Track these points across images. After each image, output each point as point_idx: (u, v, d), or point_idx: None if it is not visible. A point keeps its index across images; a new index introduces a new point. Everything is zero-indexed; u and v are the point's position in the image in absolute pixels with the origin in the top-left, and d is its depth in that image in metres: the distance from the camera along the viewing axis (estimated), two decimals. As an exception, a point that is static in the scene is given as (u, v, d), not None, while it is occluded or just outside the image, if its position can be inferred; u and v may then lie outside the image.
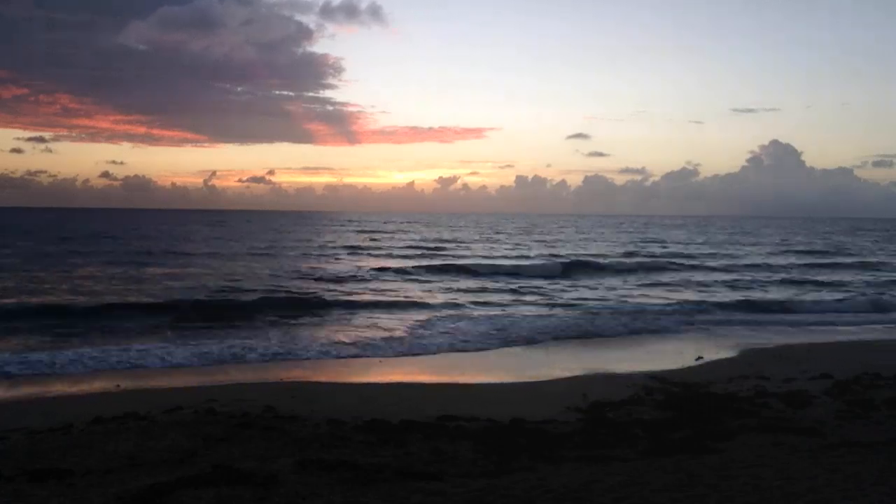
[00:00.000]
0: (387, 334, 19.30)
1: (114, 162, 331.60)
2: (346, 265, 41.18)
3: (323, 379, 14.12)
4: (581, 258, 46.68)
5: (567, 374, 14.45)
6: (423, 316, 22.74)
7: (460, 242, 66.29)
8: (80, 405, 11.29)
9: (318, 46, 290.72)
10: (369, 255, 50.40)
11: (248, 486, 6.48)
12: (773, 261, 49.02)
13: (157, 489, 6.34)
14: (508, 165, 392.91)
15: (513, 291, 30.63)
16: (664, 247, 62.58)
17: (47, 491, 6.55)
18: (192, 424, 9.42)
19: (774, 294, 31.35)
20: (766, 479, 6.28)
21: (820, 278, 37.89)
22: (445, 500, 6.13)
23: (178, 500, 6.09)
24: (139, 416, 9.97)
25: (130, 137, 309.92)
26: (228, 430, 9.13)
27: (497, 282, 34.20)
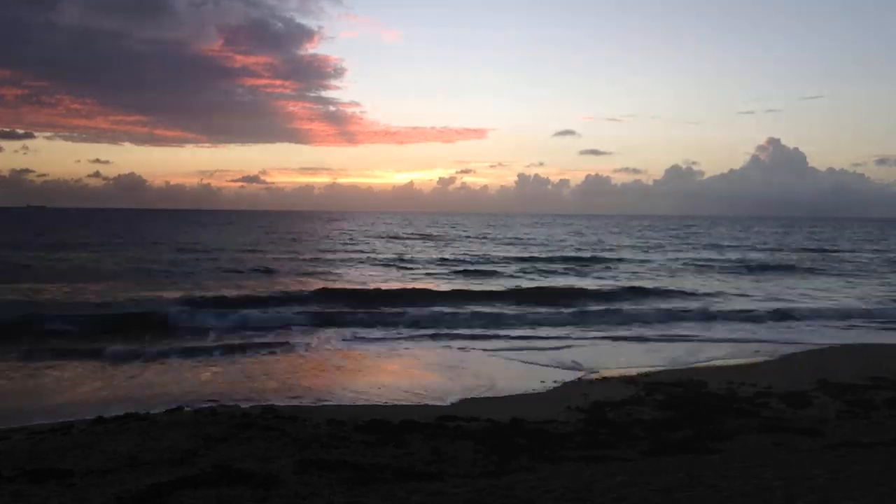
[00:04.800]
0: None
1: (110, 162, 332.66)
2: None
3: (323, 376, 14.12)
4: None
5: (567, 373, 14.43)
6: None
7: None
8: (81, 405, 11.29)
9: (320, 48, 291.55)
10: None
11: (248, 486, 6.48)
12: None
13: (157, 489, 6.34)
14: (500, 164, 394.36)
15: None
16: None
17: (47, 491, 6.55)
18: (192, 424, 9.42)
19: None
20: (766, 479, 6.27)
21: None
22: (445, 500, 6.13)
23: (178, 500, 6.09)
24: (139, 416, 9.97)
25: (131, 137, 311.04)
26: (228, 430, 9.13)
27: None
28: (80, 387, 12.79)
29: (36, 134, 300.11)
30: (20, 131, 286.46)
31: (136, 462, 7.70)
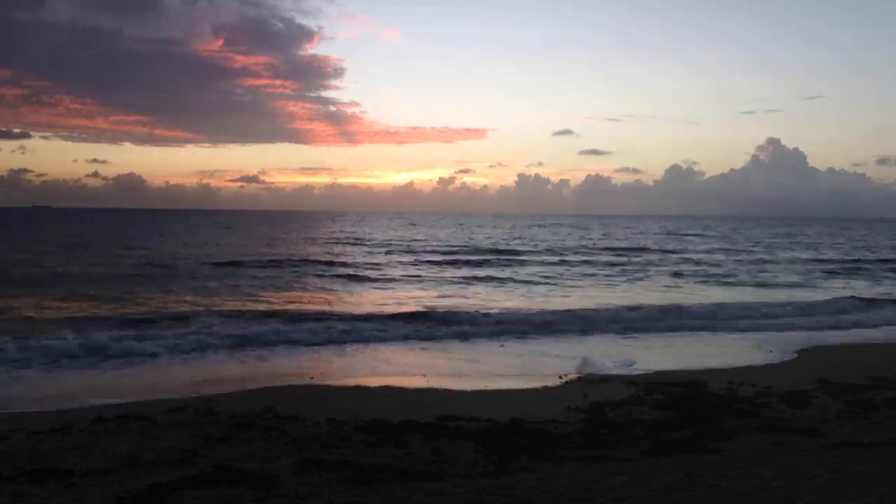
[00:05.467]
0: None
1: (108, 162, 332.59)
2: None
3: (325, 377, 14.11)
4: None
5: (567, 374, 14.43)
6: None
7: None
8: (81, 405, 11.29)
9: (320, 48, 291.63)
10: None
11: (248, 486, 6.48)
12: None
13: (157, 489, 6.34)
14: (500, 164, 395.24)
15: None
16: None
17: (47, 491, 6.55)
18: (192, 424, 9.42)
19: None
20: (766, 479, 6.27)
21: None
22: (445, 500, 6.13)
23: (178, 500, 6.09)
24: (139, 416, 9.97)
25: (131, 137, 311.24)
26: (228, 430, 9.13)
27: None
28: None
29: (32, 133, 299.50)
30: (16, 131, 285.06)
31: (136, 462, 7.70)
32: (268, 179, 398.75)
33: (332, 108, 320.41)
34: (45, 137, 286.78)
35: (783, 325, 22.09)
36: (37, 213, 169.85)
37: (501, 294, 30.00)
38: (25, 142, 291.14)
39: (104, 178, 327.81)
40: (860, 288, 33.28)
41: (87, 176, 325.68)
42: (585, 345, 18.35)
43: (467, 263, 43.44)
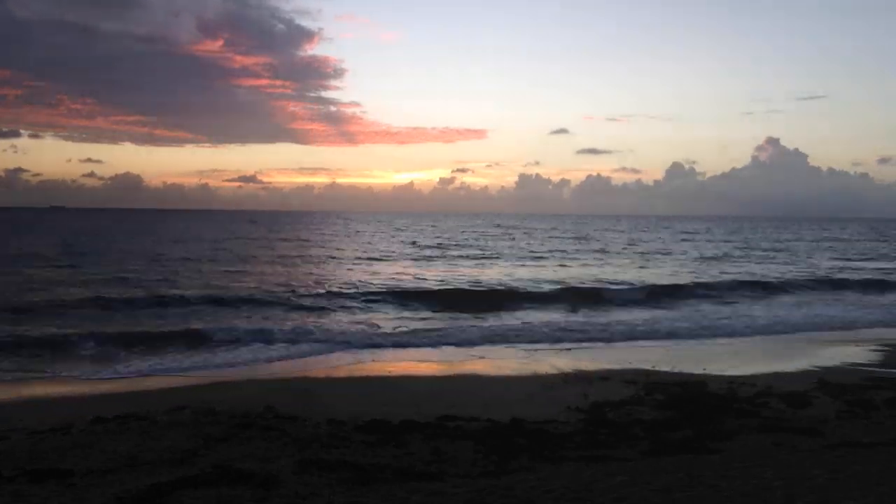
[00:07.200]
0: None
1: (103, 161, 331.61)
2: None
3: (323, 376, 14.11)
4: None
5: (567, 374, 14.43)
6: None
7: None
8: (81, 405, 11.29)
9: (319, 48, 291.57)
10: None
11: (248, 486, 6.49)
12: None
13: (157, 489, 6.34)
14: (497, 164, 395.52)
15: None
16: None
17: (47, 491, 6.55)
18: (192, 424, 9.42)
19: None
20: (766, 479, 6.27)
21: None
22: (445, 500, 6.13)
23: (178, 500, 6.09)
24: (139, 416, 9.97)
25: (131, 137, 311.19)
26: (228, 430, 9.14)
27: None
28: None
29: (22, 132, 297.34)
30: (5, 129, 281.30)
31: (136, 462, 7.70)
32: (267, 179, 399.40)
33: (332, 109, 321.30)
34: (34, 136, 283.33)
35: None
36: (53, 213, 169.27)
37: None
38: (16, 141, 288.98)
39: (100, 178, 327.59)
40: None
41: (84, 176, 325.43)
42: None
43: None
